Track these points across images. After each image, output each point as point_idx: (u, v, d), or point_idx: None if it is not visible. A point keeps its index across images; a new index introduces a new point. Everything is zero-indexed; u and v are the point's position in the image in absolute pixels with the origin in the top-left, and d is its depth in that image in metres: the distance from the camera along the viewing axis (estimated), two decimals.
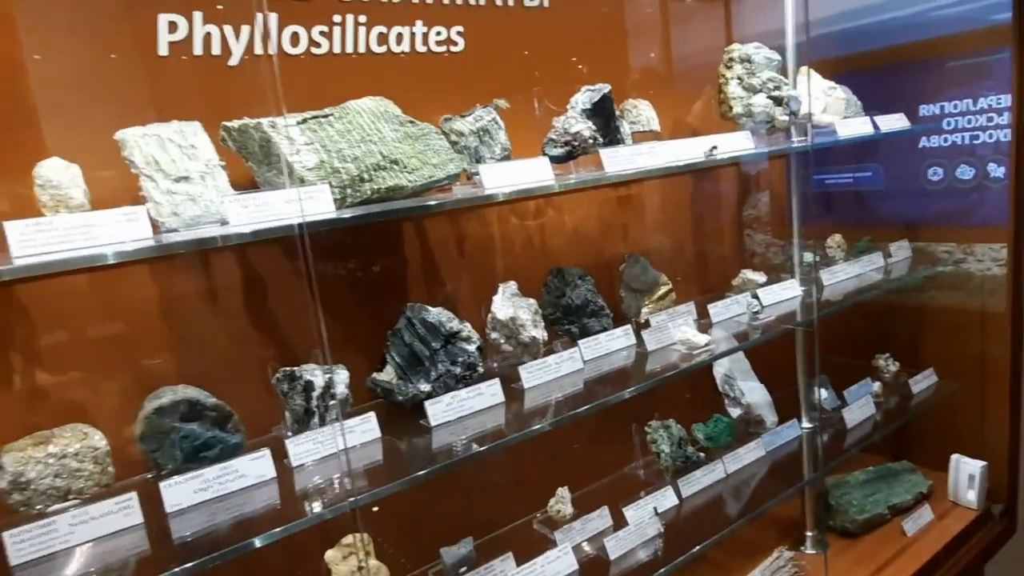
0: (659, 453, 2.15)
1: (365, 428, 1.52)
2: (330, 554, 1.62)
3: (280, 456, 1.43)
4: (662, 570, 1.78)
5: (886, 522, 2.55)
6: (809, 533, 2.49)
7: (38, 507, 1.27)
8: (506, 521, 2.00)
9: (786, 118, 2.14)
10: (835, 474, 2.65)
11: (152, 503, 1.29)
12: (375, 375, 1.67)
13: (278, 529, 1.24)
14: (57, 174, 1.25)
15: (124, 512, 1.26)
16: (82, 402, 1.45)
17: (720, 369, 2.37)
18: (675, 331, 1.90)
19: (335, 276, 1.76)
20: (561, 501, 1.96)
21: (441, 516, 1.90)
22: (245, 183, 1.47)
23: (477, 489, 1.99)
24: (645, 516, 1.89)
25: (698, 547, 1.84)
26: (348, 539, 1.64)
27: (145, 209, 1.25)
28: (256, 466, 1.38)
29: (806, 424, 2.42)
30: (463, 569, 1.72)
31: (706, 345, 1.86)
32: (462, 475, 1.94)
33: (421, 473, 1.39)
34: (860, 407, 2.46)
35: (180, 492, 1.30)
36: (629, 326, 1.96)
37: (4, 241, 1.11)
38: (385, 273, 1.84)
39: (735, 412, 2.34)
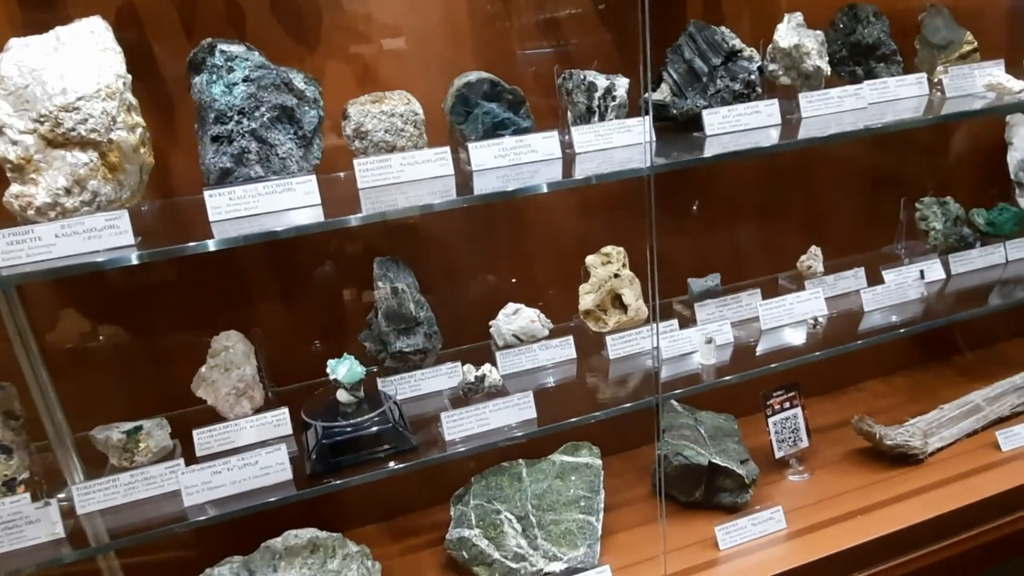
0: (929, 230, 2.01)
1: (642, 130, 1.59)
2: (590, 259, 1.77)
3: (564, 145, 1.55)
4: (916, 327, 1.72)
5: None
6: None
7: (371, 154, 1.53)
8: (751, 275, 2.02)
9: None
10: None
11: (458, 164, 1.49)
12: (649, 94, 1.72)
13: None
14: None
15: (440, 162, 1.47)
16: (402, 77, 1.65)
17: (1017, 154, 2.10)
18: (982, 77, 1.70)
19: None
20: (813, 258, 1.93)
21: (687, 252, 1.97)
22: None
23: (725, 232, 2.02)
24: (908, 279, 1.81)
25: (964, 314, 1.74)
26: (607, 248, 1.78)
27: None
28: (546, 144, 1.52)
29: None
30: (707, 301, 1.81)
31: (1021, 91, 1.65)
32: (712, 204, 1.98)
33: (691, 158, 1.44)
34: None
35: (483, 154, 1.48)
36: (924, 75, 1.79)
37: None
38: None
39: None
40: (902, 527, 1.73)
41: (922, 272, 1.80)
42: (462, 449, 1.43)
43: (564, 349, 1.70)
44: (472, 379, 1.54)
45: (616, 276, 1.75)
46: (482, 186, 1.42)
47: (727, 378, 1.64)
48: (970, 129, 2.24)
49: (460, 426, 1.45)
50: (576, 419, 1.49)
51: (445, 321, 1.71)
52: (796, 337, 1.72)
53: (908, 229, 2.07)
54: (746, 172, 2.03)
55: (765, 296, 1.82)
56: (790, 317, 1.74)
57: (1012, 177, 2.11)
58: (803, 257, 1.93)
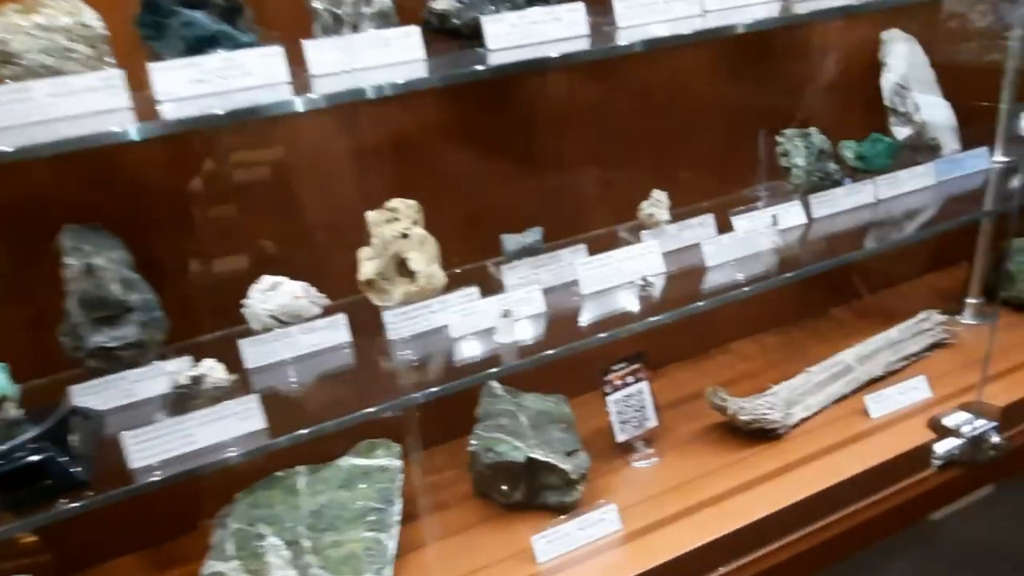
0: (791, 168, 1.72)
1: (407, 44, 1.22)
2: (371, 216, 1.41)
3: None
4: (769, 282, 1.44)
5: None
6: (971, 300, 2.02)
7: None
8: (589, 227, 1.70)
9: None
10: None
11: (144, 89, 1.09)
12: (431, 3, 1.34)
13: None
14: None
15: (109, 90, 1.07)
16: None
17: (892, 76, 1.82)
18: None
19: None
20: (656, 205, 1.61)
21: (510, 201, 1.64)
22: None
23: (557, 177, 1.69)
24: (760, 227, 1.52)
25: (821, 263, 1.46)
26: (393, 202, 1.42)
27: None
28: (266, 65, 1.13)
29: (999, 157, 1.86)
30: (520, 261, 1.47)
31: None
32: (541, 144, 1.64)
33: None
34: None
35: (172, 79, 1.09)
36: None
37: None
38: None
39: (903, 132, 1.82)
40: (756, 518, 1.47)
41: (775, 217, 1.51)
42: (158, 478, 1.07)
43: (333, 331, 1.35)
44: (186, 380, 1.17)
45: (404, 236, 1.40)
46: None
47: (548, 352, 1.32)
48: (844, 45, 1.94)
49: (157, 447, 1.09)
50: (312, 429, 1.14)
51: (183, 304, 1.33)
52: (626, 301, 1.41)
53: (771, 167, 1.78)
54: (578, 104, 1.69)
55: (599, 251, 1.50)
56: (618, 277, 1.42)
57: (886, 103, 1.84)
58: (643, 204, 1.62)
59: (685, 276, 1.48)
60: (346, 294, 1.45)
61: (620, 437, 1.63)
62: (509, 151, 1.66)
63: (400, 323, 1.33)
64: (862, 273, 2.20)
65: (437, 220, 1.44)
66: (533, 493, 1.49)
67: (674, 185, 1.72)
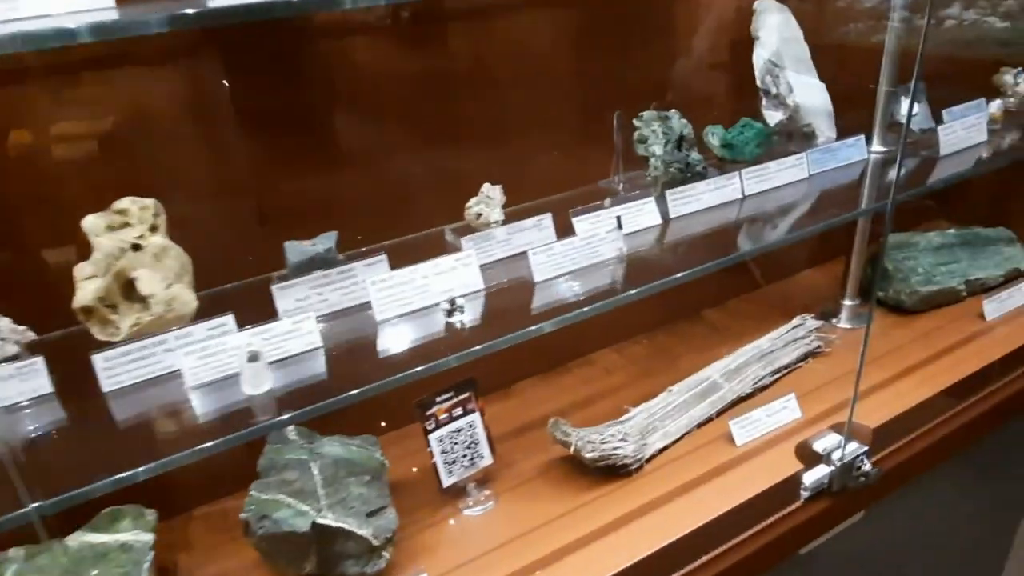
0: (650, 156, 1.47)
1: None
2: (89, 222, 1.05)
3: None
4: (604, 303, 1.18)
5: (959, 300, 1.90)
6: (847, 302, 1.86)
7: None
8: (410, 229, 1.40)
9: None
10: (904, 230, 1.97)
11: None
12: None
13: None
14: None
15: None
16: None
17: (764, 52, 1.59)
18: None
19: None
20: (486, 202, 1.33)
21: (309, 198, 1.31)
22: None
23: (367, 166, 1.38)
24: (603, 231, 1.26)
25: (682, 274, 1.22)
26: (122, 203, 1.07)
27: None
28: None
29: (878, 147, 1.68)
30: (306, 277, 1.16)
31: None
32: (354, 127, 1.33)
33: None
34: (965, 130, 1.69)
35: None
36: None
37: None
38: None
39: (774, 117, 1.61)
40: None
41: (619, 219, 1.26)
42: None
43: (30, 380, 1.00)
44: None
45: (136, 248, 1.05)
46: None
47: (349, 393, 1.02)
48: (719, 13, 1.71)
49: None
50: None
51: None
52: (429, 328, 1.12)
53: (629, 154, 1.53)
54: (398, 76, 1.38)
55: (424, 257, 1.20)
56: (423, 298, 1.13)
57: (758, 83, 1.62)
58: (472, 202, 1.33)
59: (508, 294, 1.21)
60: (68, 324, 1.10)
61: (447, 481, 1.36)
62: (308, 133, 1.33)
63: (119, 367, 1.00)
64: (736, 271, 2.01)
65: (211, 222, 1.11)
66: (329, 564, 1.19)
67: (520, 176, 1.45)
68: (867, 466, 1.47)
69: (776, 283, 2.11)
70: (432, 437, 1.33)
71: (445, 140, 1.45)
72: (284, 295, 1.09)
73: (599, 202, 1.33)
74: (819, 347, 1.74)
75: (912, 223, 2.30)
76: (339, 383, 1.03)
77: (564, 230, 1.32)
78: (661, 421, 1.51)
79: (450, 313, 1.11)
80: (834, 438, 1.50)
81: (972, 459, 1.81)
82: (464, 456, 1.37)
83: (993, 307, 1.83)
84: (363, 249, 1.29)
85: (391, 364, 1.05)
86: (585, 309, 1.14)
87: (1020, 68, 1.87)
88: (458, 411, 1.36)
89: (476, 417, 1.38)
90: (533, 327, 1.08)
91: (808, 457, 1.46)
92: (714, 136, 1.53)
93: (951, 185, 1.61)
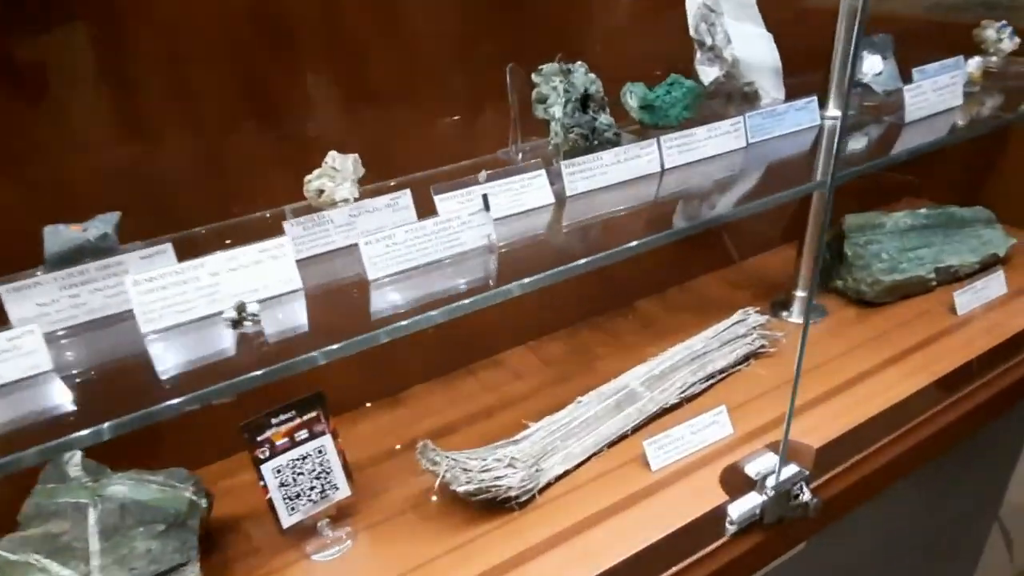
0: (549, 120, 1.19)
1: None
2: None
3: None
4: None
5: (928, 291, 1.65)
6: (799, 293, 1.60)
7: None
8: (244, 209, 1.12)
9: None
10: (867, 210, 1.71)
11: None
12: None
13: None
14: None
15: None
16: None
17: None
18: None
19: None
20: (330, 175, 1.05)
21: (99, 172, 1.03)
22: None
23: (199, 147, 1.09)
24: (466, 213, 0.99)
25: (545, 274, 0.95)
26: None
27: None
28: None
29: (833, 111, 1.41)
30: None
31: None
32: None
33: None
34: (936, 92, 1.42)
35: None
36: None
37: None
38: None
39: (710, 74, 1.33)
40: None
41: (485, 199, 0.98)
42: None
43: None
44: None
45: None
46: None
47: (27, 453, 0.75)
48: None
49: None
50: None
51: None
52: (214, 341, 0.85)
53: (526, 117, 1.25)
54: (220, 14, 1.09)
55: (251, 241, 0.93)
56: (207, 304, 0.86)
57: (691, 32, 1.33)
58: (312, 175, 1.05)
59: (336, 296, 0.94)
60: None
61: (287, 521, 1.10)
62: (90, 92, 1.05)
63: None
64: (677, 255, 1.75)
65: None
66: None
67: (395, 146, 1.17)
68: (806, 495, 1.22)
69: (722, 269, 1.85)
70: (266, 468, 1.07)
71: (293, 101, 1.17)
72: (18, 298, 0.82)
73: (471, 176, 1.05)
74: (763, 347, 1.49)
75: (886, 200, 2.04)
76: (77, 418, 0.76)
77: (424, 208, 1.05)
78: (563, 440, 1.25)
79: (236, 323, 0.84)
80: (770, 459, 1.26)
81: (935, 471, 1.58)
82: (312, 488, 1.12)
83: (966, 299, 1.58)
84: (180, 235, 1.01)
85: (144, 390, 0.78)
86: (404, 323, 0.87)
87: (1004, 22, 1.59)
88: (302, 434, 1.10)
89: (327, 440, 1.12)
90: (335, 345, 0.81)
91: (736, 483, 1.22)
92: (632, 96, 1.25)
93: (919, 157, 1.34)
